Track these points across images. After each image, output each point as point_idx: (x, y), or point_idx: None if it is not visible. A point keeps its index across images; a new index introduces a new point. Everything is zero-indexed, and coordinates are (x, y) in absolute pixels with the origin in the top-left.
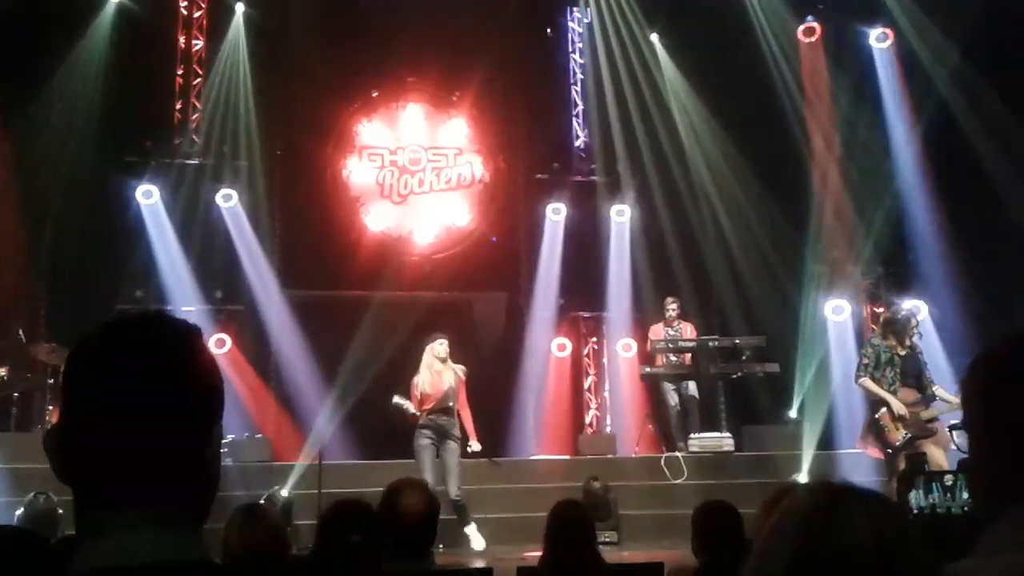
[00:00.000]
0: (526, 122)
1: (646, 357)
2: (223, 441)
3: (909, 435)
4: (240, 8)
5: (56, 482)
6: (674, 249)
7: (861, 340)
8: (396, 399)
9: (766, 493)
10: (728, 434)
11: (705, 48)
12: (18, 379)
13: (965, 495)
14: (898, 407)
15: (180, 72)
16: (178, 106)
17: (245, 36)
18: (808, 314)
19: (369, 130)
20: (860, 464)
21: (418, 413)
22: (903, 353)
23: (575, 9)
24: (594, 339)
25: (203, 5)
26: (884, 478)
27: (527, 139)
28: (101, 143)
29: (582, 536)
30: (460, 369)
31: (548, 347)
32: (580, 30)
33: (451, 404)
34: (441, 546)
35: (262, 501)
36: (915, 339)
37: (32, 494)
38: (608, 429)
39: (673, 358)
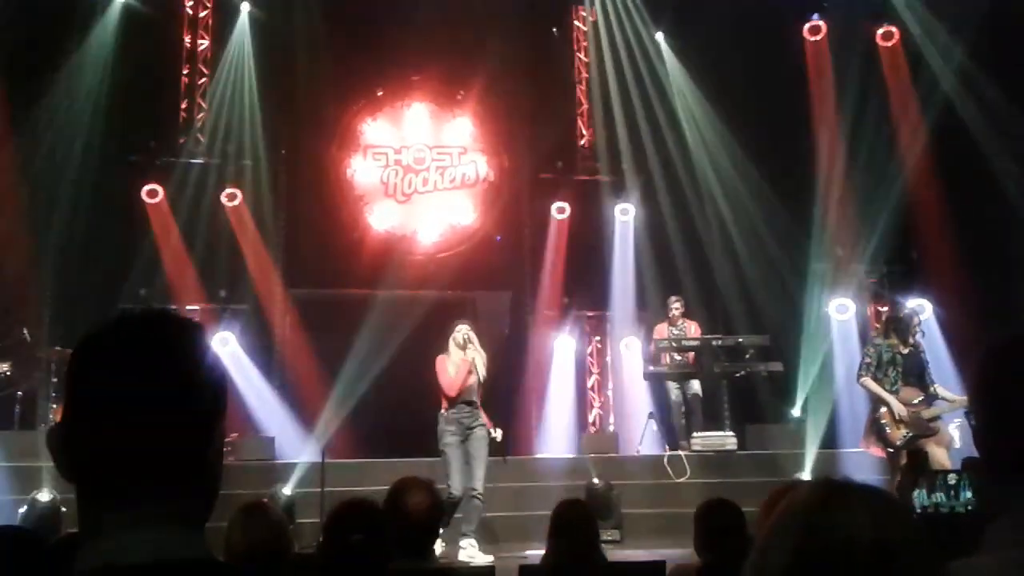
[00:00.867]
0: (530, 121)
1: (650, 356)
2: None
3: (910, 435)
4: (245, 8)
5: (59, 480)
6: (678, 248)
7: (865, 339)
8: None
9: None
10: (731, 433)
11: (710, 47)
12: (22, 377)
13: (968, 494)
14: (898, 407)
15: (185, 72)
16: (183, 105)
17: (250, 36)
18: (812, 313)
19: (374, 129)
20: (863, 463)
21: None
22: (905, 352)
23: (580, 8)
24: (597, 338)
25: (208, 5)
26: (887, 477)
27: (531, 138)
28: (106, 142)
29: (585, 535)
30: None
31: (551, 346)
32: (585, 29)
33: (474, 398)
34: (443, 544)
35: (265, 499)
36: (917, 338)
37: (35, 492)
38: (611, 428)
39: (677, 357)
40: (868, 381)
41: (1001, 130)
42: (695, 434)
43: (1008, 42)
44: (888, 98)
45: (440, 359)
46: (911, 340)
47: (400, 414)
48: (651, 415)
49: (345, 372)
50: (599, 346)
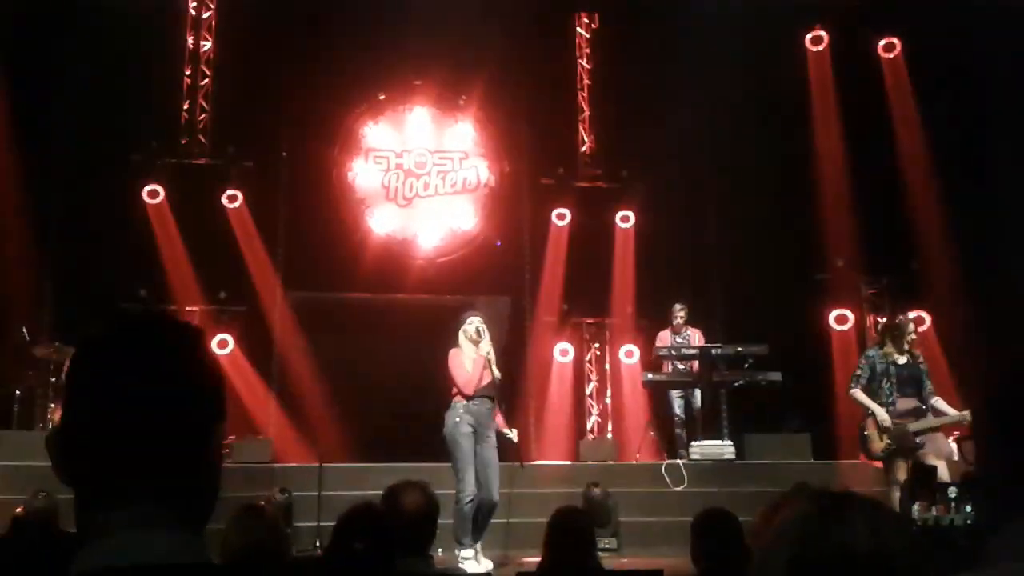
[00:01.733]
0: (532, 126)
1: (650, 363)
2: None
3: (892, 447)
4: (248, 9)
5: (57, 481)
6: (678, 256)
7: (864, 349)
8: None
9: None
10: (729, 442)
11: (711, 54)
12: (20, 376)
13: (968, 507)
14: (882, 418)
15: (188, 72)
16: (185, 106)
17: (252, 38)
18: (811, 323)
19: (375, 133)
20: (861, 474)
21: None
22: (902, 362)
23: (582, 13)
24: (597, 345)
25: (211, 5)
26: (884, 488)
27: (533, 143)
28: (107, 142)
29: (582, 542)
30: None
31: (551, 352)
32: (587, 35)
33: (493, 393)
34: (440, 549)
35: (262, 503)
36: (915, 349)
37: (33, 492)
38: (609, 435)
39: (680, 365)
40: (857, 392)
41: (1003, 139)
42: (693, 443)
43: (1010, 52)
44: (889, 108)
45: (454, 353)
46: (906, 347)
47: (398, 418)
48: (649, 423)
49: (343, 375)
50: (598, 353)
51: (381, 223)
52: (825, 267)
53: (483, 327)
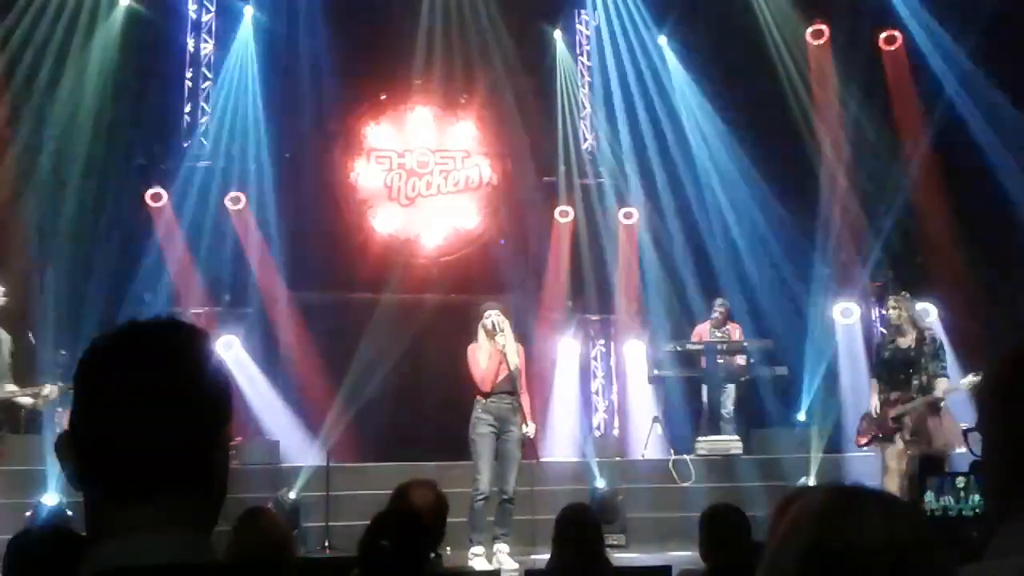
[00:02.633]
0: (534, 125)
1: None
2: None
3: (872, 435)
4: (249, 11)
5: (66, 484)
6: (682, 252)
7: (870, 342)
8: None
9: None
10: (736, 437)
11: (713, 51)
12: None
13: (977, 497)
14: (872, 406)
15: (189, 75)
16: (187, 109)
17: (253, 39)
18: (817, 317)
19: (377, 133)
20: (868, 467)
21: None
22: (904, 346)
23: (583, 12)
24: (602, 342)
25: (212, 8)
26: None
27: (535, 142)
28: (110, 146)
29: (590, 539)
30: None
31: (556, 349)
32: (588, 33)
33: (514, 388)
34: (448, 548)
35: (270, 504)
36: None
37: (41, 496)
38: (616, 432)
39: (720, 361)
40: (872, 382)
41: (1005, 133)
42: (699, 438)
43: (1011, 46)
44: (891, 102)
45: (471, 349)
46: (907, 330)
47: (405, 417)
48: (656, 419)
49: (349, 375)
50: (603, 350)
51: (384, 223)
52: (830, 261)
53: (500, 320)
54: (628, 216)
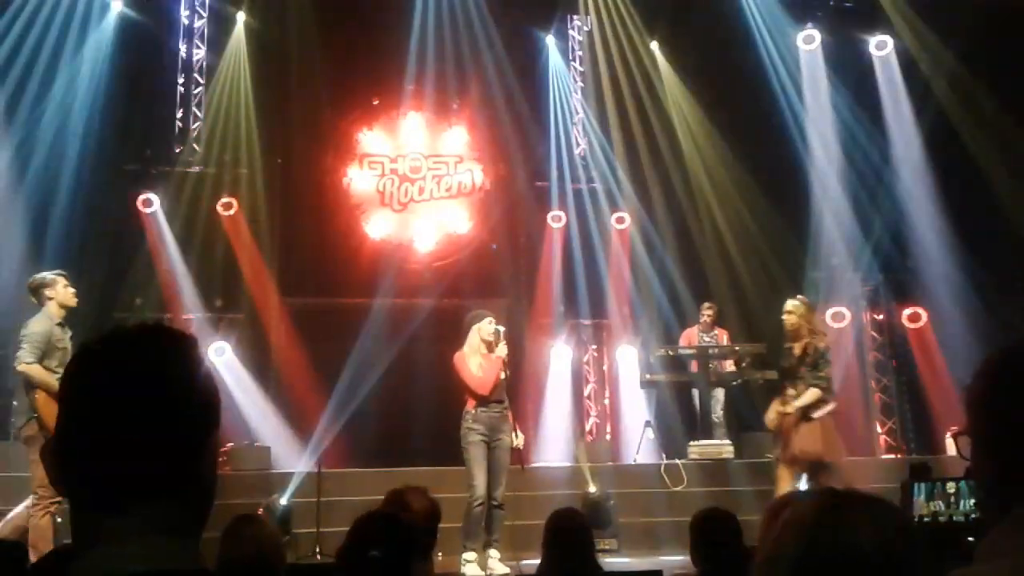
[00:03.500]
0: (526, 130)
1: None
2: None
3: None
4: (241, 17)
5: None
6: (674, 256)
7: (862, 347)
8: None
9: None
10: (728, 441)
11: (705, 56)
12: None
13: (969, 503)
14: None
15: (181, 81)
16: (179, 115)
17: (246, 45)
18: None
19: (370, 138)
20: (860, 472)
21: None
22: (796, 353)
23: (575, 17)
24: (594, 346)
25: (204, 14)
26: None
27: (527, 147)
28: (102, 151)
29: (581, 544)
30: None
31: (548, 354)
32: (580, 38)
33: (504, 397)
34: (440, 554)
35: (261, 510)
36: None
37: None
38: (608, 436)
39: (711, 364)
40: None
41: (995, 137)
42: (692, 443)
43: (1001, 50)
44: (882, 106)
45: (461, 356)
46: (802, 337)
47: (396, 423)
48: (648, 423)
49: (341, 381)
50: (596, 354)
51: (377, 228)
52: (821, 265)
53: (503, 329)
54: (620, 221)
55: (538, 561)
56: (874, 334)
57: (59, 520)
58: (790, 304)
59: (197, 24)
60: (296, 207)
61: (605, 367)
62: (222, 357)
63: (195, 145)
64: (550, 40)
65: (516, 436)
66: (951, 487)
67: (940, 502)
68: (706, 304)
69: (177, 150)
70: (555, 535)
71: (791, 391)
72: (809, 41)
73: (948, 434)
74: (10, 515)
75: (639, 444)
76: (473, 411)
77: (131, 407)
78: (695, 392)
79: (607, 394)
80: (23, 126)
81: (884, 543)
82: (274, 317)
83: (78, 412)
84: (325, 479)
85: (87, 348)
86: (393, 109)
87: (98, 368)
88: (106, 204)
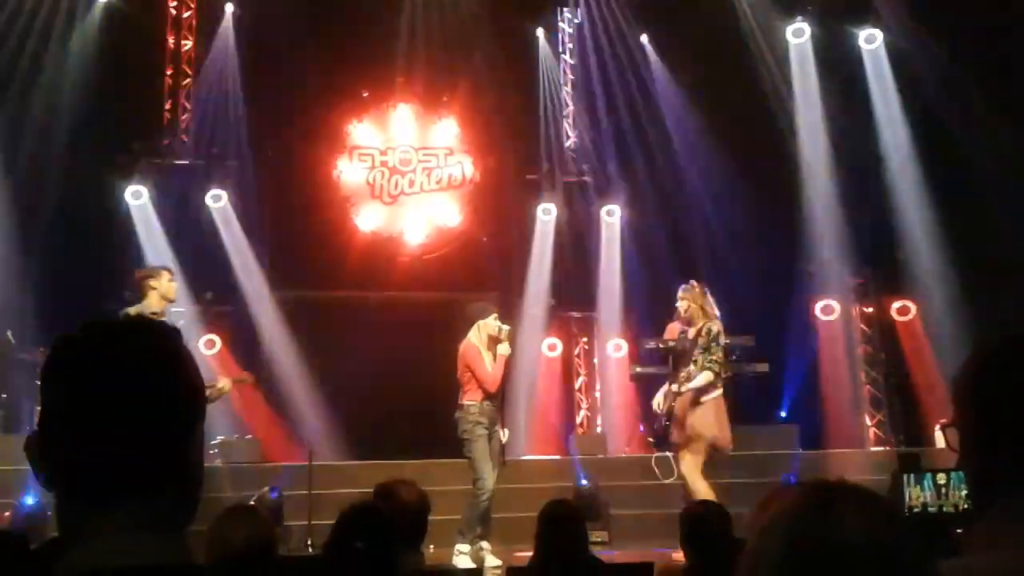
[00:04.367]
0: (516, 122)
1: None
2: (213, 442)
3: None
4: (230, 8)
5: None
6: (664, 249)
7: (851, 340)
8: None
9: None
10: None
11: (695, 49)
12: (6, 380)
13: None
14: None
15: (169, 72)
16: (167, 106)
17: (235, 36)
18: (798, 314)
19: (359, 131)
20: (851, 464)
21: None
22: (692, 336)
23: (565, 10)
24: (585, 339)
25: (192, 5)
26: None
27: (517, 139)
28: (90, 143)
29: (573, 536)
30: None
31: (539, 347)
32: (570, 31)
33: (503, 392)
34: (432, 546)
35: (252, 502)
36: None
37: (21, 496)
38: (599, 429)
39: None
40: None
41: (984, 131)
42: None
43: (991, 45)
44: (871, 100)
45: (473, 349)
46: (696, 321)
47: (388, 415)
48: (639, 416)
49: (332, 374)
50: (586, 347)
51: (367, 221)
52: (811, 259)
53: (507, 328)
54: (610, 213)
55: (530, 553)
56: (863, 327)
57: (51, 514)
58: (681, 291)
59: (185, 15)
60: (286, 199)
61: (596, 360)
62: (212, 350)
63: (184, 137)
64: (540, 33)
65: (504, 431)
66: (941, 478)
67: (930, 493)
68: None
69: (166, 142)
70: (547, 527)
71: (683, 374)
72: (799, 34)
73: (937, 427)
74: None
75: (629, 437)
76: (479, 404)
77: (113, 400)
78: None
79: (598, 387)
80: (9, 117)
81: (872, 535)
82: (264, 309)
83: (59, 405)
84: (317, 471)
85: (66, 340)
86: (383, 101)
87: (76, 360)
88: (94, 196)
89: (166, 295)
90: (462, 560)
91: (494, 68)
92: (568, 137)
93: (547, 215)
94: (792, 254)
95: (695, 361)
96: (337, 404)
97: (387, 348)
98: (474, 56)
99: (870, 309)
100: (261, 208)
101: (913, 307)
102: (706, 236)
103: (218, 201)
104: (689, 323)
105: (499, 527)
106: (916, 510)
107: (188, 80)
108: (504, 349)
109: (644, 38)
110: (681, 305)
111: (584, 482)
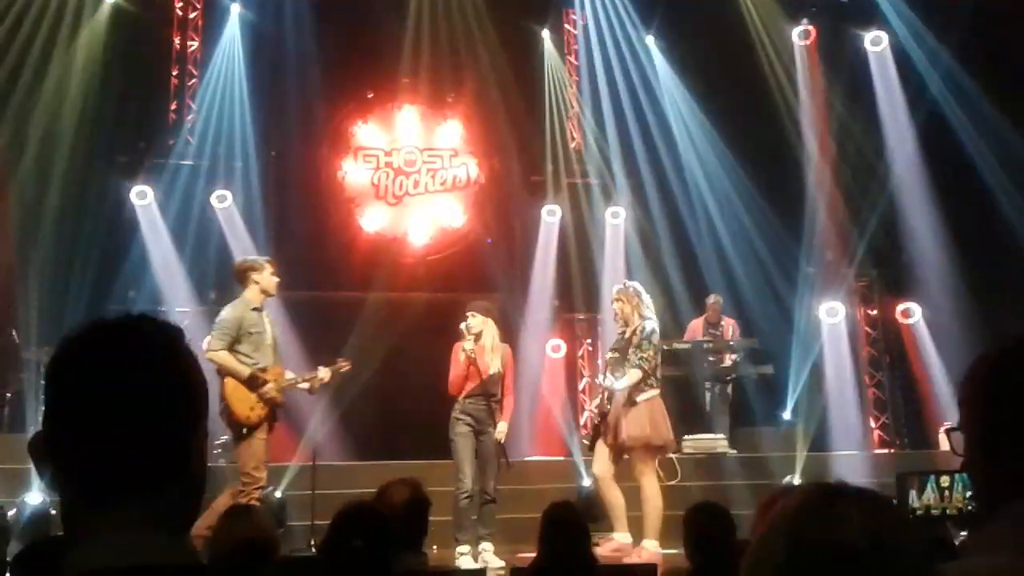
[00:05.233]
0: (521, 124)
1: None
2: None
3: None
4: (235, 9)
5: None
6: (668, 251)
7: (855, 342)
8: None
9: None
10: (722, 435)
11: (700, 50)
12: (10, 379)
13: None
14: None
15: (175, 72)
16: (173, 106)
17: (240, 37)
18: (802, 316)
19: (364, 131)
20: (854, 466)
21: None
22: (627, 336)
23: (571, 11)
24: (588, 341)
25: (198, 6)
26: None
27: (522, 141)
28: (95, 143)
29: (576, 537)
30: (503, 348)
31: (543, 348)
32: (576, 32)
33: (494, 391)
34: (435, 547)
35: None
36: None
37: (25, 495)
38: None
39: (711, 358)
40: None
41: (989, 133)
42: (686, 436)
43: (995, 46)
44: (877, 101)
45: (456, 348)
46: (632, 317)
47: (391, 416)
48: None
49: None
50: (590, 349)
51: (371, 222)
52: (815, 260)
53: (475, 322)
54: (615, 215)
55: (534, 554)
56: (867, 329)
57: (54, 513)
58: (615, 292)
59: (192, 15)
60: (290, 200)
61: (600, 361)
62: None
63: (189, 137)
64: (545, 34)
65: (495, 429)
66: (944, 481)
67: (934, 496)
68: (712, 297)
69: (171, 142)
70: (551, 528)
71: (617, 374)
72: (804, 36)
73: (941, 430)
74: (215, 503)
75: None
76: (461, 402)
77: (114, 398)
78: (691, 387)
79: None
80: (16, 117)
81: (876, 536)
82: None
83: (61, 406)
84: (320, 471)
85: (69, 340)
86: (388, 102)
87: (80, 359)
88: (99, 196)
89: (267, 289)
90: (464, 561)
91: (499, 69)
92: (573, 139)
93: (552, 216)
94: (796, 255)
95: (628, 360)
96: (340, 404)
97: (390, 349)
98: (479, 57)
99: (874, 311)
100: (265, 208)
101: (917, 309)
102: (711, 238)
103: (223, 201)
104: (626, 324)
105: (502, 528)
106: (919, 513)
107: (194, 80)
108: (467, 347)
109: (649, 40)
110: (615, 307)
111: (587, 484)
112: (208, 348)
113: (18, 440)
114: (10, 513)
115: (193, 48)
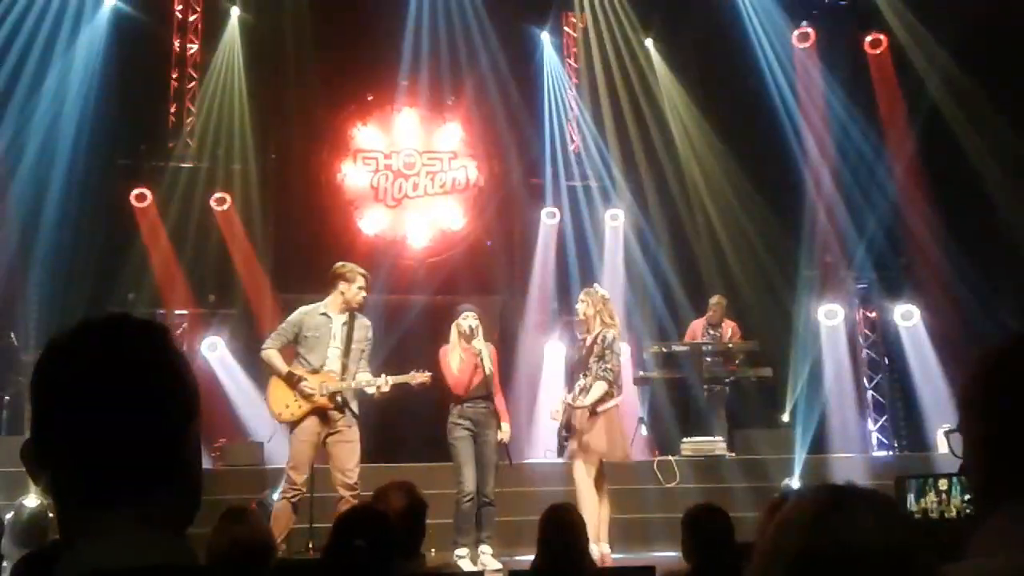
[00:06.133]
0: (521, 126)
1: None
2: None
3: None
4: (235, 12)
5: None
6: (668, 254)
7: (854, 345)
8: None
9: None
10: (720, 438)
11: (699, 54)
12: (9, 382)
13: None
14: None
15: (175, 75)
16: (172, 109)
17: (240, 40)
18: (801, 319)
19: (364, 134)
20: (852, 468)
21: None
22: (588, 343)
23: (570, 14)
24: None
25: (198, 9)
26: (875, 481)
27: (522, 143)
28: (95, 146)
29: (574, 540)
30: (490, 347)
31: (542, 351)
32: (575, 34)
33: (490, 391)
34: (433, 550)
35: (253, 505)
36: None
37: (22, 498)
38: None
39: (707, 360)
40: None
41: (988, 136)
42: (684, 439)
43: (995, 49)
44: (876, 104)
45: (443, 351)
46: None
47: (391, 419)
48: (641, 420)
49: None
50: None
51: (370, 224)
52: (814, 263)
53: (477, 323)
54: (614, 217)
55: (532, 556)
56: (867, 331)
57: (52, 515)
58: (582, 294)
59: (191, 18)
60: (290, 202)
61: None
62: (215, 352)
63: (188, 140)
64: (545, 36)
65: (501, 430)
66: (943, 483)
67: (932, 498)
68: (714, 298)
69: (170, 145)
70: (550, 530)
71: (580, 383)
72: (804, 39)
73: (939, 432)
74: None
75: (632, 440)
76: (459, 406)
77: (103, 398)
78: (689, 389)
79: None
80: (15, 120)
81: (886, 537)
82: (267, 312)
83: (50, 407)
84: (318, 475)
85: (55, 342)
86: (387, 105)
87: (67, 361)
88: (99, 198)
89: (349, 301)
90: (463, 564)
91: (499, 72)
92: (572, 141)
93: (551, 219)
94: (795, 258)
95: (589, 369)
96: None
97: (389, 351)
98: (479, 60)
99: (873, 314)
100: (265, 211)
101: (916, 312)
102: (710, 240)
103: (222, 204)
104: (587, 329)
105: (501, 531)
106: (918, 515)
107: (193, 83)
108: (476, 346)
109: (649, 42)
110: (579, 307)
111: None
112: (264, 347)
113: (16, 443)
114: (7, 516)
115: (193, 51)
